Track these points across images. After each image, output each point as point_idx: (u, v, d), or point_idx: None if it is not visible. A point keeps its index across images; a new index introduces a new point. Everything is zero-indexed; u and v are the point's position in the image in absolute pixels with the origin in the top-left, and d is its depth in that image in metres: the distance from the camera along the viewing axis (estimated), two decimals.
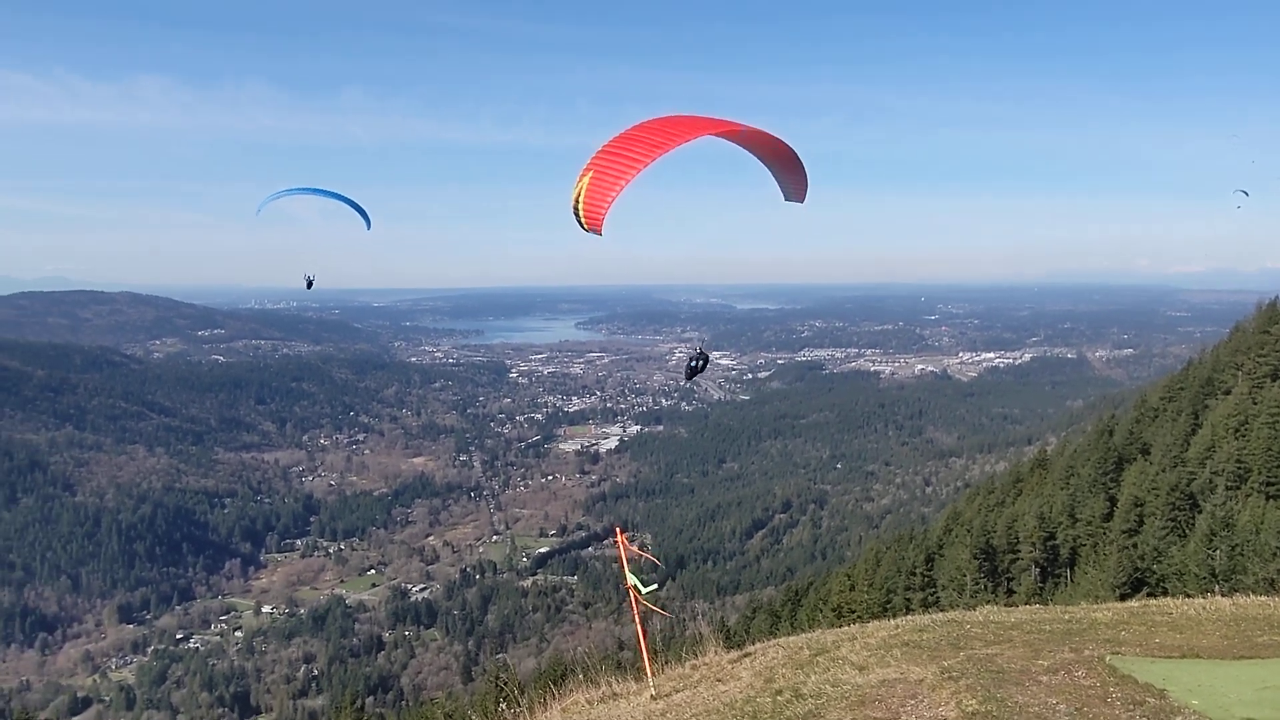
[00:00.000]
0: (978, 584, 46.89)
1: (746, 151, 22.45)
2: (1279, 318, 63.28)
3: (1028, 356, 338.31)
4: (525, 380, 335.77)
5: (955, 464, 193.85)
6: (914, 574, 48.20)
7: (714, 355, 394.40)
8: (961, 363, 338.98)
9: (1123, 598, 36.90)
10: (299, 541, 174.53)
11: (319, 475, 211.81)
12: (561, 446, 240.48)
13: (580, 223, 18.06)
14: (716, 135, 19.70)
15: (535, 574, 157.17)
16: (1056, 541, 48.93)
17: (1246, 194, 59.86)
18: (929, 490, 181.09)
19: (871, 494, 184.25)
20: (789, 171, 23.98)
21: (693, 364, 24.86)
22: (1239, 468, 47.81)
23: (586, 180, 17.95)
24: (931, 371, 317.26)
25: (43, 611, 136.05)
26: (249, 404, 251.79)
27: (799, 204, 22.90)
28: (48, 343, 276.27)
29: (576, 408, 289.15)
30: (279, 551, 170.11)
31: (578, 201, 18.01)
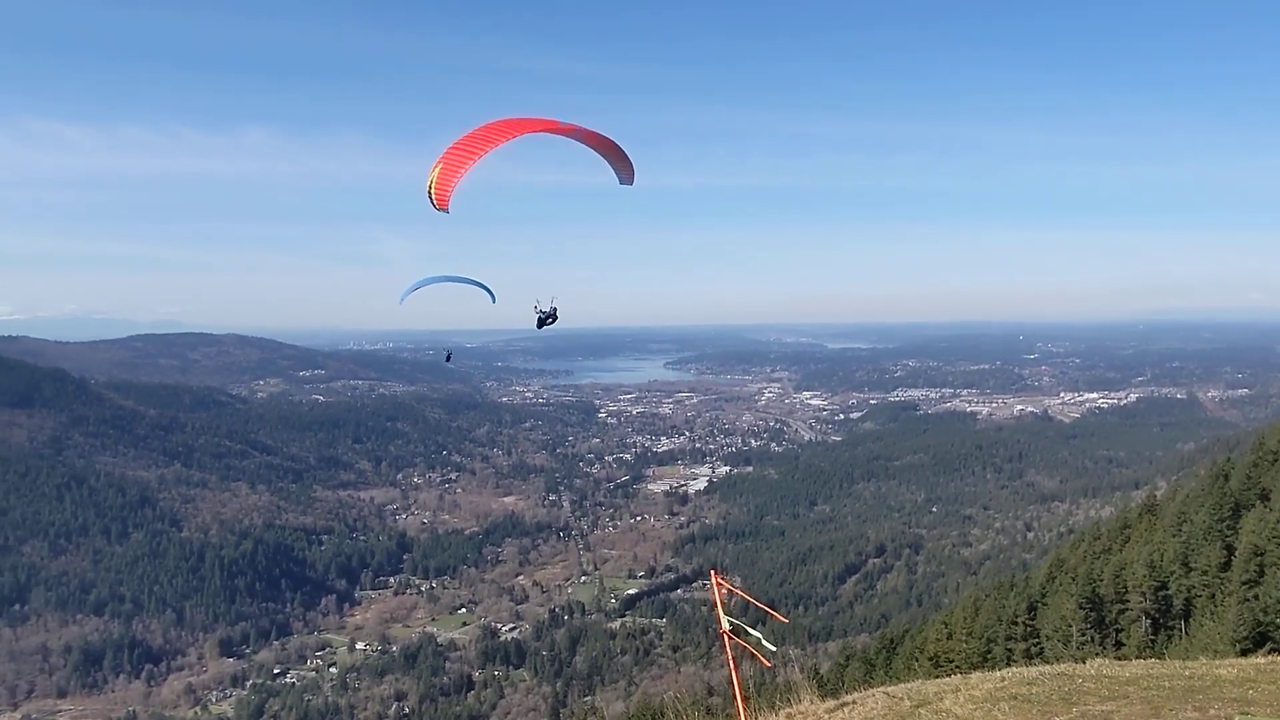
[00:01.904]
0: (1084, 635, 44.70)
1: (605, 154, 25.87)
2: None
3: (1133, 397, 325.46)
4: (614, 420, 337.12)
5: (1058, 508, 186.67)
6: (1016, 623, 46.26)
7: (804, 395, 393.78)
8: (1063, 403, 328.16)
9: (1244, 653, 34.68)
10: (392, 579, 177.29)
11: (412, 513, 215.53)
12: (650, 487, 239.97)
13: (432, 203, 21.78)
14: (542, 132, 23.19)
15: (624, 616, 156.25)
16: (1169, 591, 46.39)
17: None
18: (1030, 536, 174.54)
19: (969, 539, 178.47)
20: (616, 159, 26.66)
21: (542, 317, 27.18)
22: None
23: (437, 170, 21.59)
24: (1031, 412, 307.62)
25: (149, 644, 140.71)
26: (346, 443, 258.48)
27: (629, 186, 26.70)
28: (159, 383, 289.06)
29: (665, 448, 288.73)
30: (373, 588, 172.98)
31: (431, 187, 21.71)
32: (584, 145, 24.51)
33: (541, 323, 27.37)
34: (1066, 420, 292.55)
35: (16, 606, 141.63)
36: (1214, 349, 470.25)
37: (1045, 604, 52.66)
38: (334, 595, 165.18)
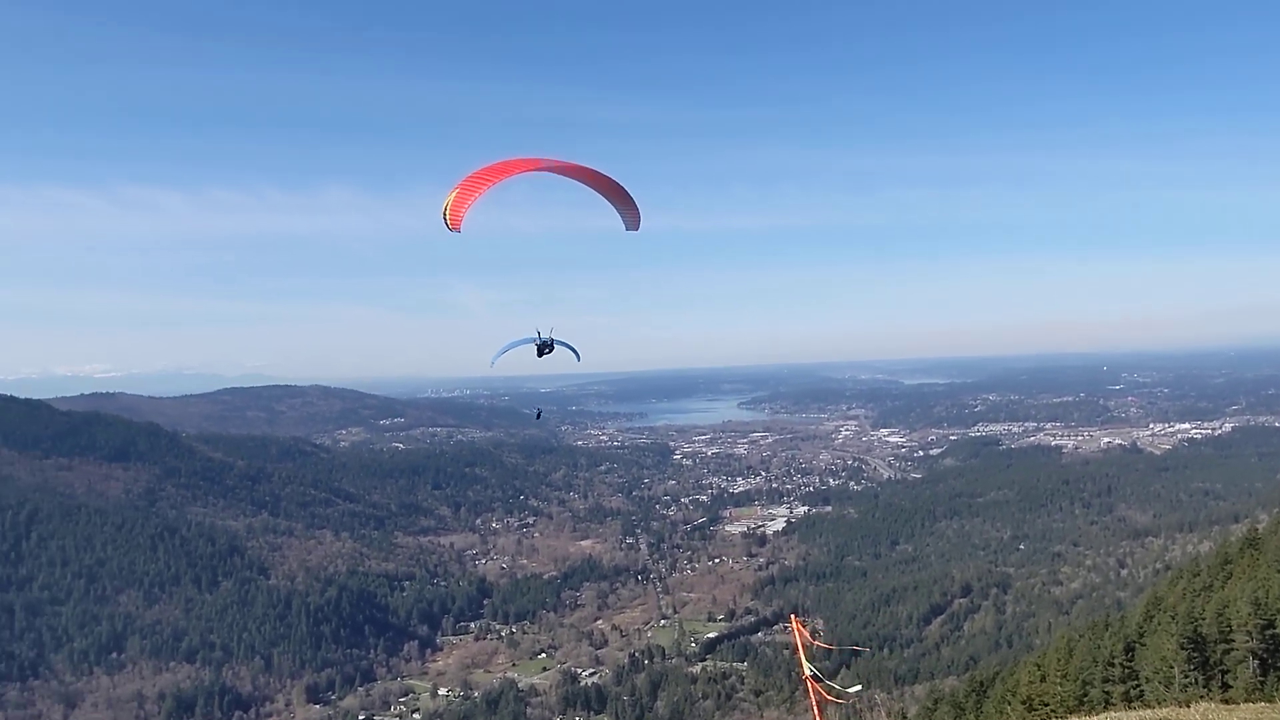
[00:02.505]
0: (1187, 677, 42.86)
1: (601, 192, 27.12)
2: None
3: (1228, 427, 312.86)
4: (689, 462, 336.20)
5: (1152, 544, 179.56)
6: (1113, 664, 44.62)
7: (882, 433, 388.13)
8: (1152, 435, 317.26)
9: None
10: (473, 624, 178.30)
11: (491, 558, 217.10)
12: (727, 528, 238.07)
13: (446, 224, 24.53)
14: (550, 171, 25.47)
15: (704, 659, 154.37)
16: (1277, 630, 44.29)
17: None
18: (1124, 573, 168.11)
19: (1059, 577, 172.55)
20: (621, 203, 27.57)
21: (540, 345, 27.68)
22: None
23: (453, 195, 24.33)
24: (1119, 445, 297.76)
25: (239, 690, 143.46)
26: (426, 489, 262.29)
27: (635, 232, 28.48)
28: (247, 435, 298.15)
29: (742, 489, 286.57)
30: (454, 634, 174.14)
31: (446, 209, 24.36)
32: (593, 190, 25.94)
33: (540, 351, 28.18)
34: (1157, 452, 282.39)
35: (114, 655, 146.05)
36: None
37: (1143, 644, 50.63)
38: (416, 641, 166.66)
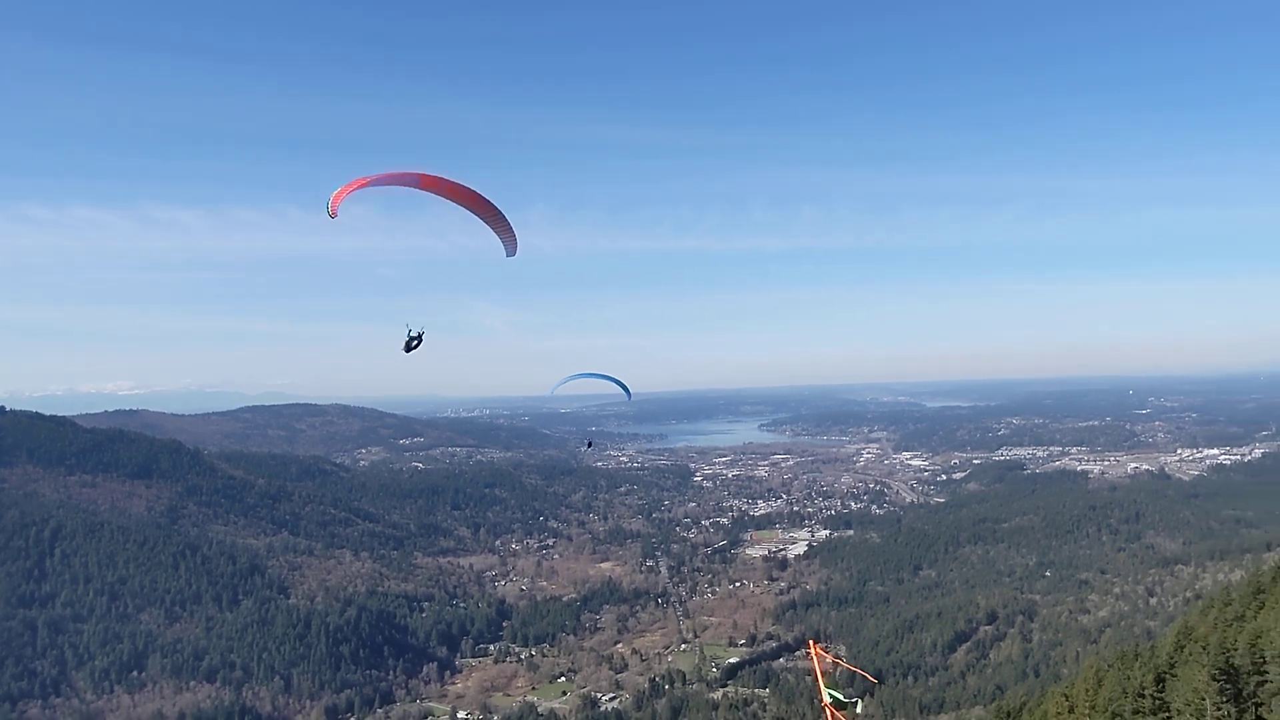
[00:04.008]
0: (1220, 709, 41.83)
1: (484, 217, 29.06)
2: None
3: (1259, 452, 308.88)
4: (710, 484, 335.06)
5: (1182, 572, 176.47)
6: (1142, 696, 43.65)
7: (904, 456, 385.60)
8: (1181, 460, 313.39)
9: None
10: (492, 646, 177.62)
11: (511, 580, 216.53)
12: (748, 552, 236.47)
13: (328, 209, 27.04)
14: (429, 189, 27.83)
15: (725, 685, 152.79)
16: None
17: None
18: (1153, 602, 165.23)
19: (1087, 605, 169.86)
20: (499, 228, 29.13)
21: (409, 339, 29.50)
22: None
23: (340, 187, 27.27)
24: (1147, 470, 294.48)
25: (258, 710, 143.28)
26: (446, 510, 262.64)
27: (513, 258, 31.04)
28: (268, 453, 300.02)
29: (762, 511, 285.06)
30: (473, 656, 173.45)
31: (330, 198, 27.06)
32: (473, 213, 27.86)
33: (409, 346, 30.18)
34: (1186, 478, 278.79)
35: (134, 673, 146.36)
36: None
37: (1174, 675, 49.53)
38: (435, 663, 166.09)
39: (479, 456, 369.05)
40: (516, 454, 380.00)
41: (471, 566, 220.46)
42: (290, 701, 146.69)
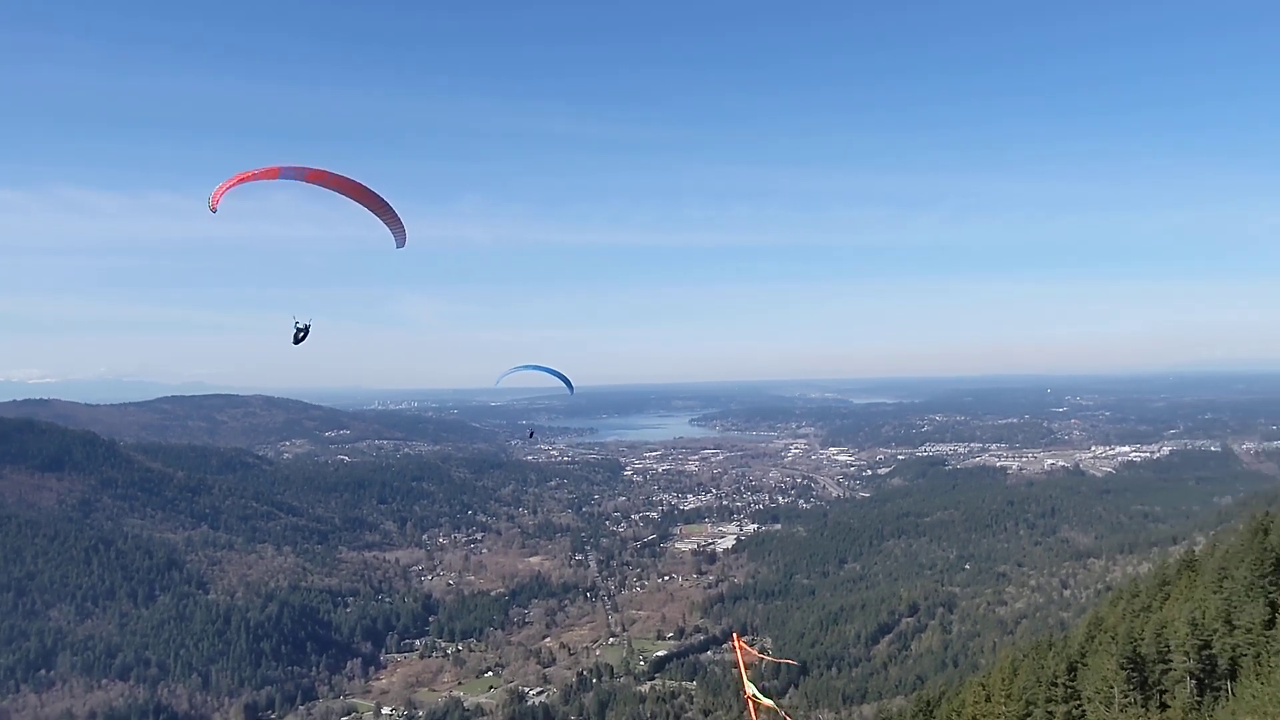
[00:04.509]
0: (1127, 697, 43.42)
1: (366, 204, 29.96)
2: None
3: (1167, 450, 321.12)
4: (640, 478, 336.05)
5: (1094, 565, 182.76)
6: (1056, 685, 45.00)
7: (831, 451, 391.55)
8: (1094, 457, 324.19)
9: None
10: (418, 641, 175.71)
11: (438, 574, 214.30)
12: (677, 546, 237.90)
13: (209, 203, 27.25)
14: (317, 182, 27.86)
15: (653, 679, 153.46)
16: (1213, 651, 44.98)
17: None
18: (1067, 593, 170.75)
19: (1004, 597, 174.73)
20: (388, 220, 29.93)
21: (296, 330, 30.22)
22: None
23: (224, 182, 27.25)
24: (1063, 467, 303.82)
25: (174, 709, 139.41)
26: (372, 503, 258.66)
27: (402, 249, 31.32)
28: (187, 445, 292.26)
29: (692, 506, 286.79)
30: (399, 651, 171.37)
31: (212, 193, 27.19)
32: (362, 206, 27.99)
33: (296, 338, 30.45)
34: (1099, 474, 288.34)
35: (43, 671, 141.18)
36: (1248, 400, 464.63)
37: (1085, 664, 51.26)
38: (359, 659, 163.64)
39: (406, 449, 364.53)
40: (445, 447, 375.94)
41: (398, 561, 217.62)
42: (208, 699, 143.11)
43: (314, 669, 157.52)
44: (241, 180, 26.64)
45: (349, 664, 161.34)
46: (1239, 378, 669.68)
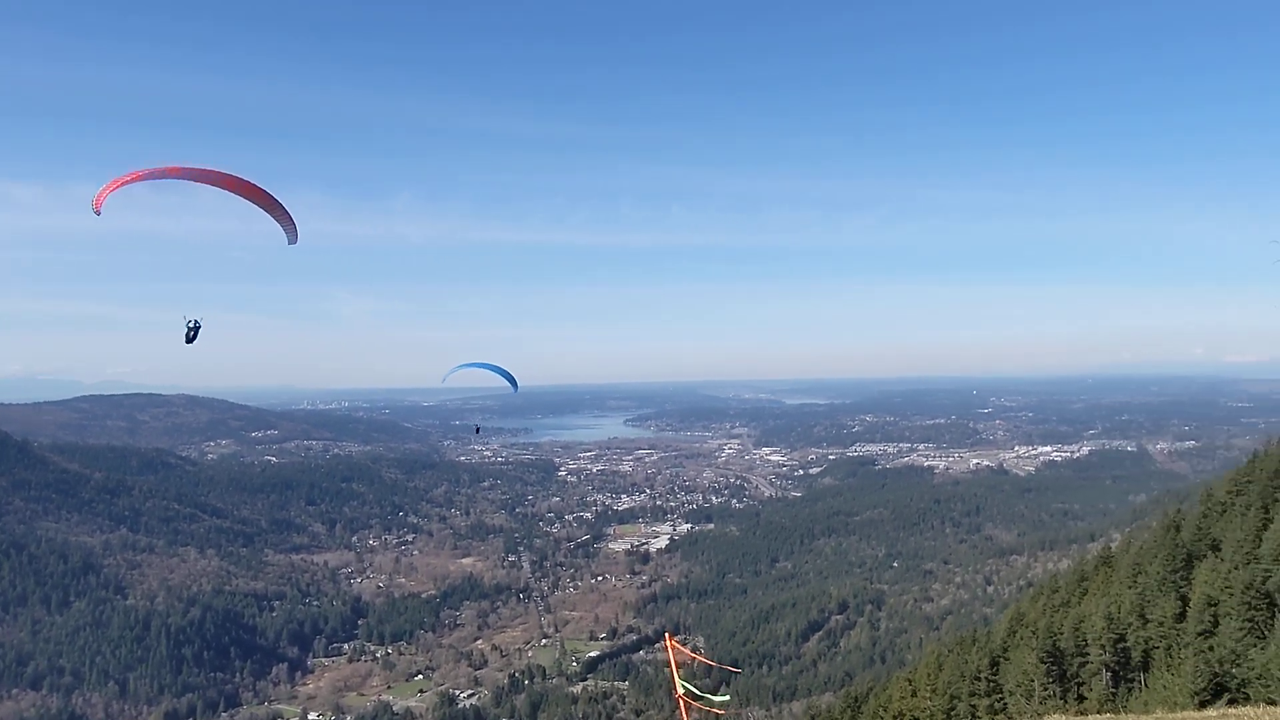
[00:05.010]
0: (1046, 689, 44.56)
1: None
2: None
3: (1086, 450, 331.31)
4: (574, 479, 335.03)
5: (1016, 562, 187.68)
6: (979, 679, 46.05)
7: (764, 451, 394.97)
8: (1018, 457, 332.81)
9: (1202, 705, 34.70)
10: (346, 645, 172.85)
11: (367, 577, 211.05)
12: (611, 546, 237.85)
13: (93, 204, 26.83)
14: (205, 181, 27.29)
15: (585, 679, 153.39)
16: (1128, 644, 46.43)
17: None
18: (990, 590, 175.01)
19: (930, 594, 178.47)
20: (278, 217, 30.29)
21: (189, 331, 30.44)
22: None
23: (108, 184, 26.62)
24: (987, 466, 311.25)
25: (89, 717, 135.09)
26: (299, 505, 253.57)
27: (295, 245, 30.45)
28: (106, 445, 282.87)
29: (626, 506, 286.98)
30: (326, 656, 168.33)
31: (96, 194, 26.64)
32: (251, 203, 27.80)
33: (189, 337, 30.44)
34: (1022, 474, 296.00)
35: None
36: (1161, 402, 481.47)
37: (1007, 659, 52.53)
38: (285, 664, 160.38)
39: (336, 450, 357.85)
40: (376, 447, 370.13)
41: (326, 563, 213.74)
42: (126, 707, 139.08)
43: (238, 675, 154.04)
44: (128, 182, 26.21)
45: (275, 669, 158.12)
46: (1153, 380, 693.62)
